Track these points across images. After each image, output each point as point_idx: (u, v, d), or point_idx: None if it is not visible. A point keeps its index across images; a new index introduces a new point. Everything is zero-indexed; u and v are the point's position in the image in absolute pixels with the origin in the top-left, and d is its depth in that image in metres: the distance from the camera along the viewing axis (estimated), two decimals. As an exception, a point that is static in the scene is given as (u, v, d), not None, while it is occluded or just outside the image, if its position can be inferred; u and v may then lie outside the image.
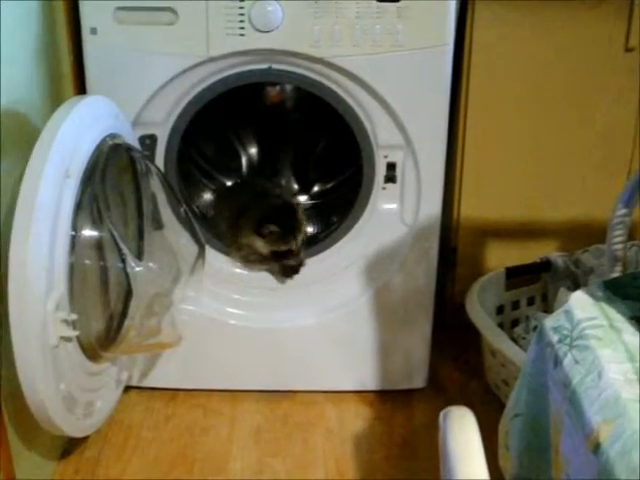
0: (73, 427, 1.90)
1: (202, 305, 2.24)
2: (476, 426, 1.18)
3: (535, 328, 2.26)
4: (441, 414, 1.24)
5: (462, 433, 1.16)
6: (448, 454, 1.14)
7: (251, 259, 2.25)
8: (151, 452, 2.15)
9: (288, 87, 2.39)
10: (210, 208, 2.41)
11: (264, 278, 2.27)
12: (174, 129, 2.11)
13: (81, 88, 2.10)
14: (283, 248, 2.19)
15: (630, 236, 1.74)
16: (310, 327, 2.29)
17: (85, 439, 2.13)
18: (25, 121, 1.85)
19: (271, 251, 2.20)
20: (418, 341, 2.32)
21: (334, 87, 2.05)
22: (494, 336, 2.23)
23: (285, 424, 2.27)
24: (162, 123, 2.10)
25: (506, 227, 2.47)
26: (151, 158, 2.11)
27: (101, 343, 1.93)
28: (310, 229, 2.38)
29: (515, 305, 2.49)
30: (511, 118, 2.36)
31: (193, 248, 2.12)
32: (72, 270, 1.76)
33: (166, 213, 2.09)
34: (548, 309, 2.42)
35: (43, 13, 1.98)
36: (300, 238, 2.20)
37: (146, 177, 2.04)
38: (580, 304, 1.38)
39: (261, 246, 2.20)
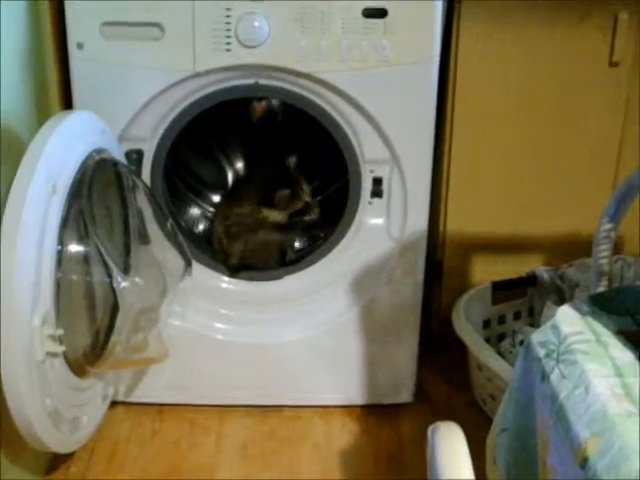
0: (59, 443, 1.89)
1: (189, 320, 2.24)
2: (464, 441, 1.18)
3: (521, 342, 2.27)
4: (429, 429, 1.25)
5: (450, 448, 1.17)
6: (437, 469, 1.14)
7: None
8: (138, 468, 2.14)
9: (274, 102, 2.39)
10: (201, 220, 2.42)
11: (251, 292, 2.27)
12: (160, 144, 2.11)
13: (67, 103, 2.09)
14: (299, 206, 2.20)
15: (615, 250, 1.74)
16: (297, 342, 2.29)
17: (71, 455, 2.12)
18: (11, 136, 1.84)
19: (289, 214, 2.21)
20: (405, 355, 2.32)
21: (320, 102, 2.06)
22: (481, 350, 2.23)
23: (272, 439, 2.26)
24: (149, 138, 2.10)
25: (492, 241, 2.47)
26: (137, 173, 2.10)
27: (87, 358, 1.93)
28: (296, 244, 2.38)
29: (501, 319, 2.49)
30: (497, 133, 2.37)
31: (179, 263, 2.11)
32: (58, 285, 1.76)
33: (153, 228, 2.09)
34: (534, 323, 2.42)
35: (29, 28, 1.98)
36: (307, 189, 2.22)
37: (133, 192, 2.04)
38: (567, 319, 1.38)
39: (277, 215, 2.21)
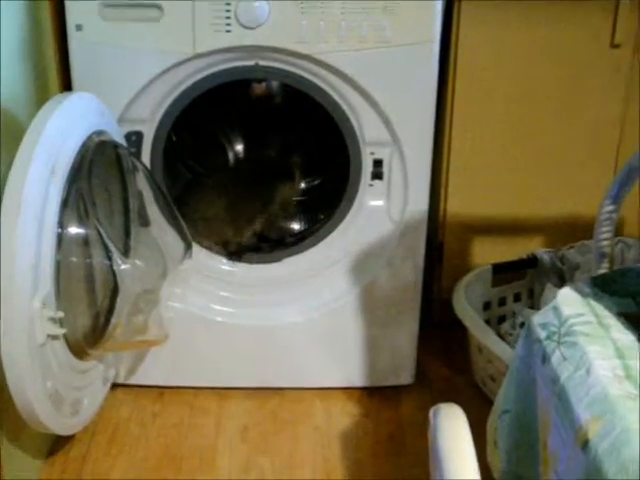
0: (60, 425, 1.89)
1: (189, 302, 2.24)
2: (466, 423, 1.18)
3: (522, 324, 2.27)
4: (431, 411, 1.25)
5: (453, 430, 1.17)
6: (439, 451, 1.14)
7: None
8: (138, 450, 2.14)
9: (274, 83, 2.39)
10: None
11: (251, 275, 2.27)
12: (160, 126, 2.10)
13: (67, 85, 2.09)
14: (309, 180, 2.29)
15: (615, 232, 1.74)
16: (297, 324, 2.29)
17: (72, 437, 2.12)
18: (11, 118, 1.84)
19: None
20: (405, 337, 2.32)
21: (320, 83, 2.05)
22: (481, 332, 2.23)
23: (273, 421, 2.27)
24: (148, 120, 2.09)
25: (493, 223, 2.47)
26: (137, 155, 2.10)
27: (88, 340, 1.92)
28: (297, 226, 2.38)
29: (502, 301, 2.49)
30: (497, 114, 2.36)
31: (179, 245, 2.11)
32: (58, 267, 1.75)
33: (152, 210, 2.08)
34: (534, 305, 2.43)
35: (28, 9, 1.97)
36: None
37: (132, 174, 2.03)
38: (568, 300, 1.38)
39: (290, 190, 2.36)
